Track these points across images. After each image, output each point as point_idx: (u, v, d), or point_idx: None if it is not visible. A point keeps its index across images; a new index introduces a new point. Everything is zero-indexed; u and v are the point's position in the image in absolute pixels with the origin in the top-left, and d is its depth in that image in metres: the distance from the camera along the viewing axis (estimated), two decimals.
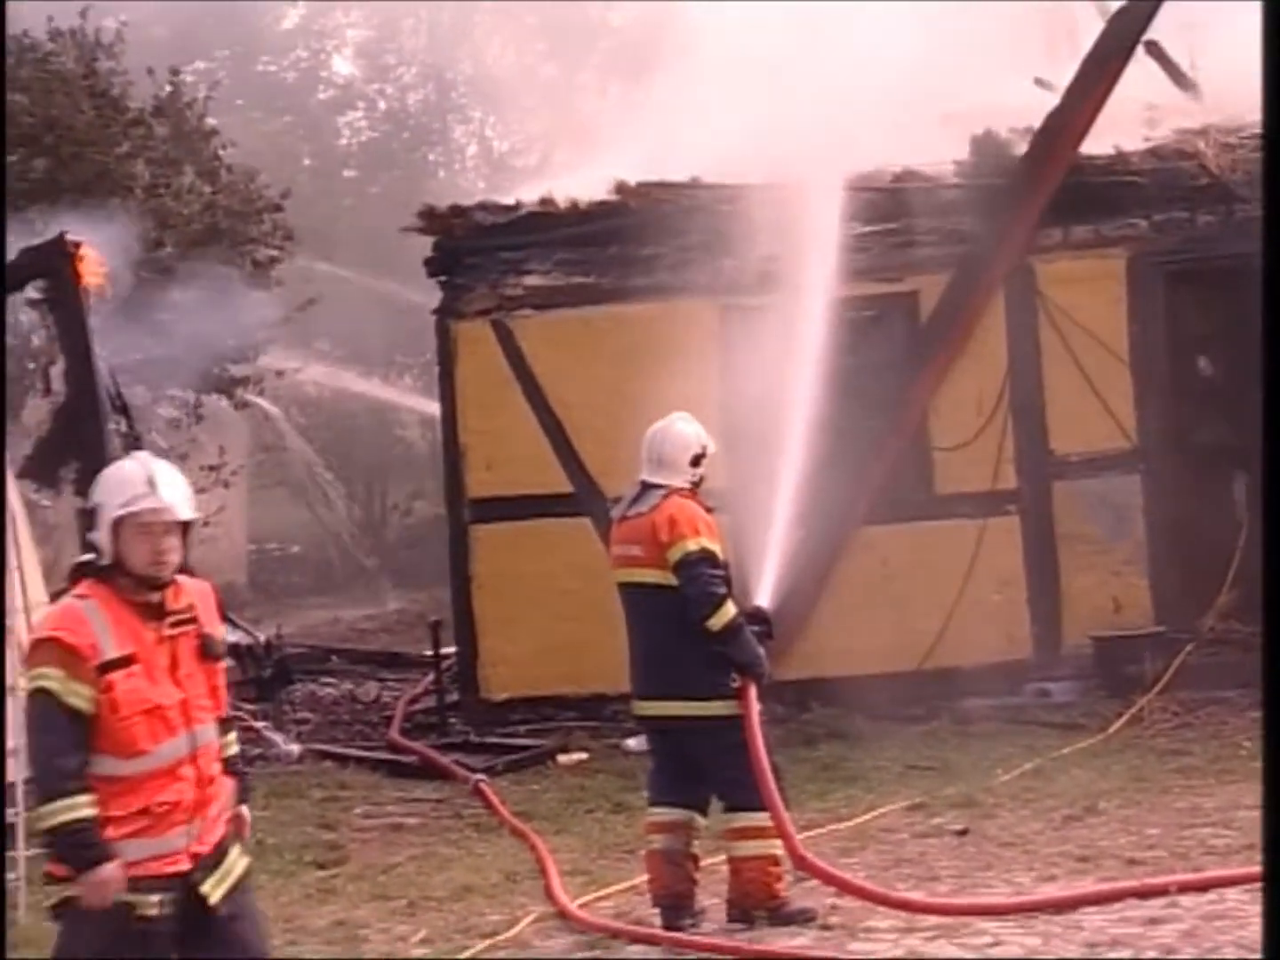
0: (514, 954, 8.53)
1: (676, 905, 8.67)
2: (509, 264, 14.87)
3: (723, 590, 8.54)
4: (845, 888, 8.68)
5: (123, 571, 5.79)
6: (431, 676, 15.57)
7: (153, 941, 5.74)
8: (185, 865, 5.78)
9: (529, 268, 14.88)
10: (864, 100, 13.90)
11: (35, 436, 13.40)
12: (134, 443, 14.68)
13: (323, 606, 24.62)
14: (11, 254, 13.73)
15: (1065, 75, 14.05)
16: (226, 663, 15.68)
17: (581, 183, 14.88)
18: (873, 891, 8.66)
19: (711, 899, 8.83)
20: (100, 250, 13.69)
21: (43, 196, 15.39)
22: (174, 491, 5.87)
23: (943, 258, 14.32)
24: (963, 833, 10.17)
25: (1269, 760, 5.90)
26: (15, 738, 9.73)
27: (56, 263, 13.39)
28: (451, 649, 15.23)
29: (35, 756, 5.75)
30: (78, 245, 13.41)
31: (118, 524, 5.77)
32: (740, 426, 13.31)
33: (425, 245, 15.30)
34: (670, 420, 8.91)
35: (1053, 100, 14.03)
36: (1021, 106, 14.31)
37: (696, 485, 8.84)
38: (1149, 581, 14.10)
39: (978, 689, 13.62)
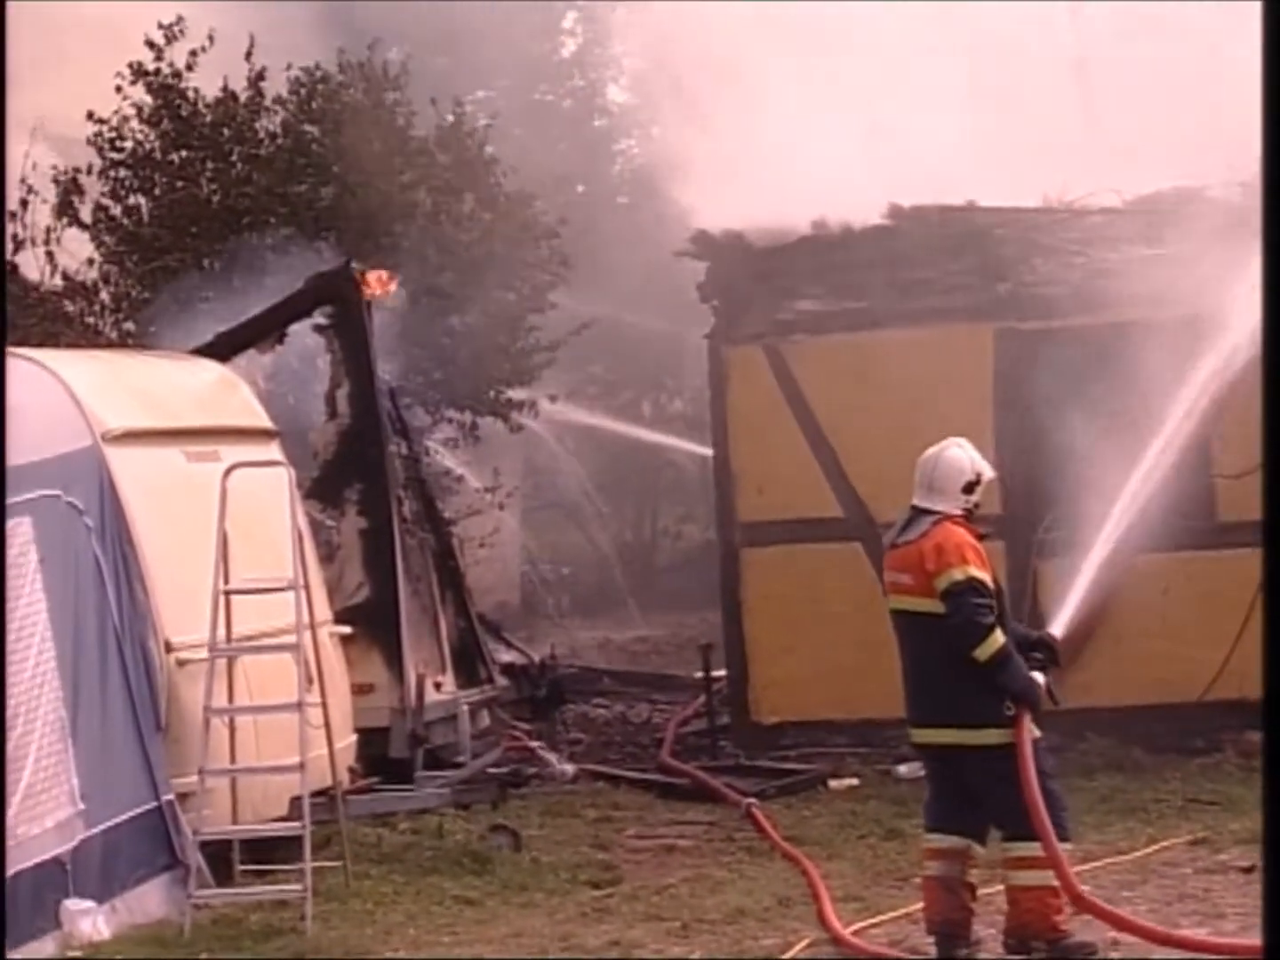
0: None
1: (952, 933, 8.59)
2: (781, 289, 14.88)
3: (989, 620, 8.47)
4: (1123, 925, 8.51)
5: None
6: (702, 699, 15.62)
7: None
8: None
9: (801, 292, 14.88)
10: (1139, 121, 13.69)
11: (321, 459, 13.78)
12: (413, 465, 15.04)
13: (594, 628, 24.85)
14: (299, 281, 14.16)
15: None
16: (501, 682, 15.99)
17: (855, 206, 14.84)
18: (1152, 930, 8.48)
19: (987, 929, 8.74)
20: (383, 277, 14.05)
21: (330, 224, 15.83)
22: None
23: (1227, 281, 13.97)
24: (1249, 870, 9.92)
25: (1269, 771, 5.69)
26: (303, 753, 9.99)
27: (342, 289, 13.79)
28: (722, 672, 15.27)
29: None
30: (363, 273, 13.79)
31: None
32: (1016, 452, 13.17)
33: (699, 270, 15.40)
34: (944, 445, 8.85)
35: None
36: None
37: (970, 512, 8.76)
38: None
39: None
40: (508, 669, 15.73)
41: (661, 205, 17.28)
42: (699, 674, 15.74)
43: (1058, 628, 9.17)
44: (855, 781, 13.22)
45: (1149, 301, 13.90)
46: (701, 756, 14.49)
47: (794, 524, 14.61)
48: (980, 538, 8.72)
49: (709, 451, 16.20)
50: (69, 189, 16.68)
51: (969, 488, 8.74)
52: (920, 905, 8.92)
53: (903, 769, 13.05)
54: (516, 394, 18.42)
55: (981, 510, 8.97)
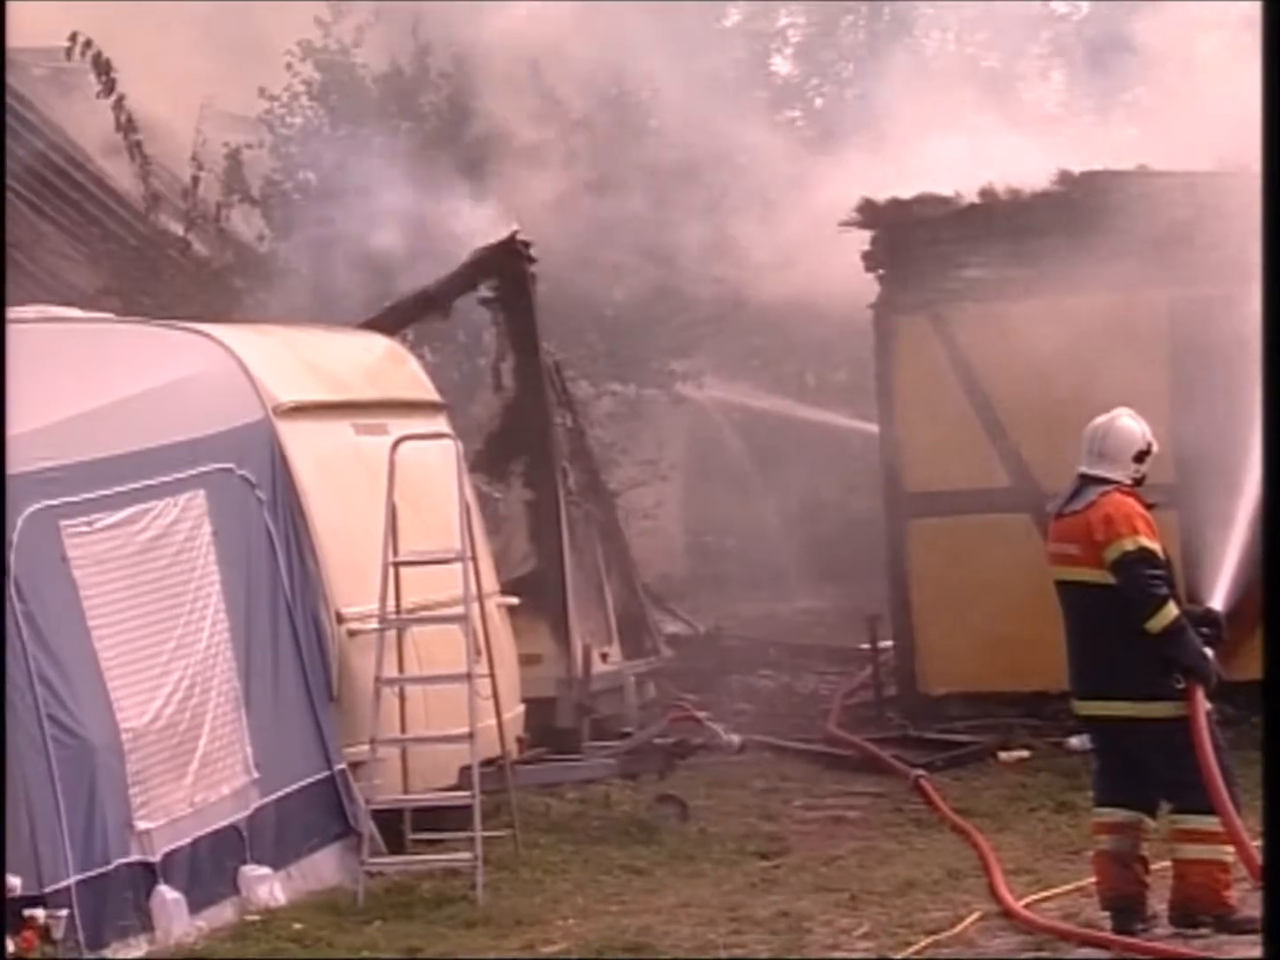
0: (959, 953, 8.49)
1: (1127, 908, 8.51)
2: (948, 257, 14.74)
3: (1163, 591, 8.38)
4: None
5: None
6: (869, 670, 15.56)
7: None
8: None
9: (969, 260, 14.73)
10: None
11: (486, 431, 13.87)
12: (578, 437, 15.09)
13: (759, 599, 24.81)
14: (466, 255, 14.25)
15: None
16: (667, 652, 16.03)
17: (1023, 173, 14.65)
18: None
19: (1160, 904, 8.62)
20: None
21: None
22: None
23: None
24: None
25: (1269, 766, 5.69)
26: (473, 723, 10.07)
27: (507, 262, 13.86)
28: (888, 643, 15.20)
29: None
30: (527, 245, 13.85)
31: None
32: (1190, 421, 12.93)
33: (863, 239, 15.28)
34: (1115, 414, 8.82)
35: None
36: None
37: (1138, 482, 8.68)
38: None
39: None
40: (674, 640, 15.75)
41: (826, 175, 17.19)
42: (865, 645, 15.69)
43: (1216, 600, 9.01)
44: (1025, 754, 13.10)
45: None
46: (868, 728, 14.43)
47: (961, 494, 14.48)
48: (1149, 507, 8.62)
49: (873, 428, 16.09)
50: (239, 165, 16.91)
51: (1140, 457, 8.71)
52: (1093, 879, 8.82)
53: (1074, 741, 12.88)
54: (679, 365, 18.41)
55: (1155, 480, 8.87)
